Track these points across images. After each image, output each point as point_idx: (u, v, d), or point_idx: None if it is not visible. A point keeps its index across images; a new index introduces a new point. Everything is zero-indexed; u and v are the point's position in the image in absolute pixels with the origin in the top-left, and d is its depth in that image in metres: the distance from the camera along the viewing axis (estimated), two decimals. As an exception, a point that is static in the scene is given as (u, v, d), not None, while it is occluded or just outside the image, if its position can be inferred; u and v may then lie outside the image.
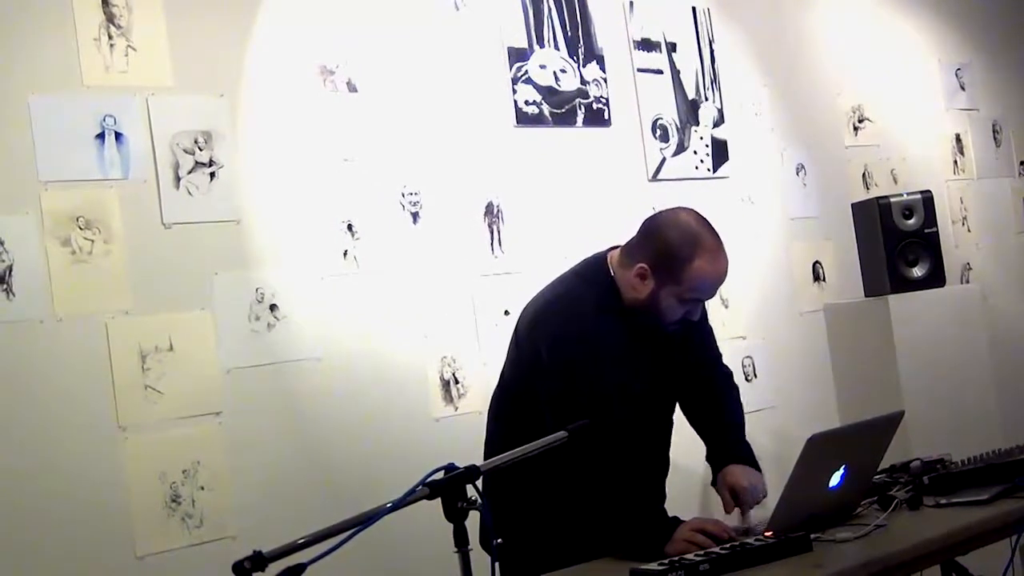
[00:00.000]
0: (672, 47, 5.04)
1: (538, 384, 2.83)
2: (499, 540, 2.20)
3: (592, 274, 2.94)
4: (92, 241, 3.43)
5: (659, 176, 4.89)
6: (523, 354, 2.94)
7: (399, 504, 2.12)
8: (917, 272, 4.69)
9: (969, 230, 6.28)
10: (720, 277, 2.83)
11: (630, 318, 2.86)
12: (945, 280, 4.74)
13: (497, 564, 2.21)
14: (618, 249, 2.95)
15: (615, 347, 2.81)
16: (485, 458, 2.99)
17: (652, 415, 2.95)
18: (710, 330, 3.19)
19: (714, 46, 5.19)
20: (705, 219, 2.86)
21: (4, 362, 3.26)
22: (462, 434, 4.06)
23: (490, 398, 3.14)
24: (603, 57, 4.77)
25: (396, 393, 3.99)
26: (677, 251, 2.78)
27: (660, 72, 4.98)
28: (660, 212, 2.94)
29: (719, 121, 5.16)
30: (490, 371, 4.18)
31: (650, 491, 2.78)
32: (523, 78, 4.49)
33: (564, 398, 2.74)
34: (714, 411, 3.11)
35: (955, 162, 6.32)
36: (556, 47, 4.61)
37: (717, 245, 2.81)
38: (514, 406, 2.96)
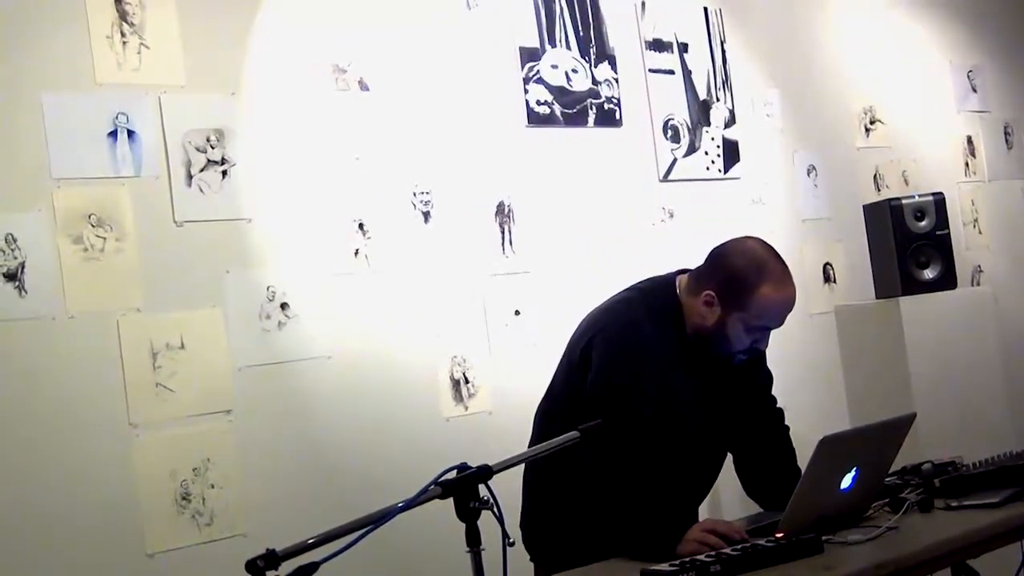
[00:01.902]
0: (684, 48, 5.03)
1: (583, 381, 2.83)
2: (511, 541, 2.20)
3: (657, 292, 2.93)
4: (104, 238, 3.44)
5: (670, 176, 4.89)
6: (574, 357, 2.93)
7: (411, 503, 2.12)
8: (928, 274, 4.67)
9: (980, 232, 6.26)
10: (788, 304, 2.83)
11: (687, 342, 2.86)
12: (957, 282, 4.73)
13: (508, 564, 2.20)
14: (686, 274, 2.94)
15: (664, 363, 2.81)
16: (527, 471, 3.02)
17: (695, 439, 2.92)
18: (771, 378, 3.15)
19: (726, 47, 5.18)
20: (771, 247, 2.87)
21: (16, 359, 3.27)
22: (472, 434, 4.07)
23: (535, 409, 3.11)
24: (615, 57, 4.76)
25: (406, 392, 3.99)
26: (744, 278, 2.78)
27: (671, 72, 4.98)
28: (727, 241, 2.93)
29: (730, 122, 5.15)
30: (501, 371, 4.19)
31: (664, 494, 2.77)
32: (535, 78, 4.48)
33: (601, 398, 2.75)
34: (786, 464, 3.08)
35: (967, 164, 6.30)
36: (568, 47, 4.61)
37: (784, 272, 2.82)
38: (559, 415, 2.93)
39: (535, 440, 3.00)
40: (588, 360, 2.84)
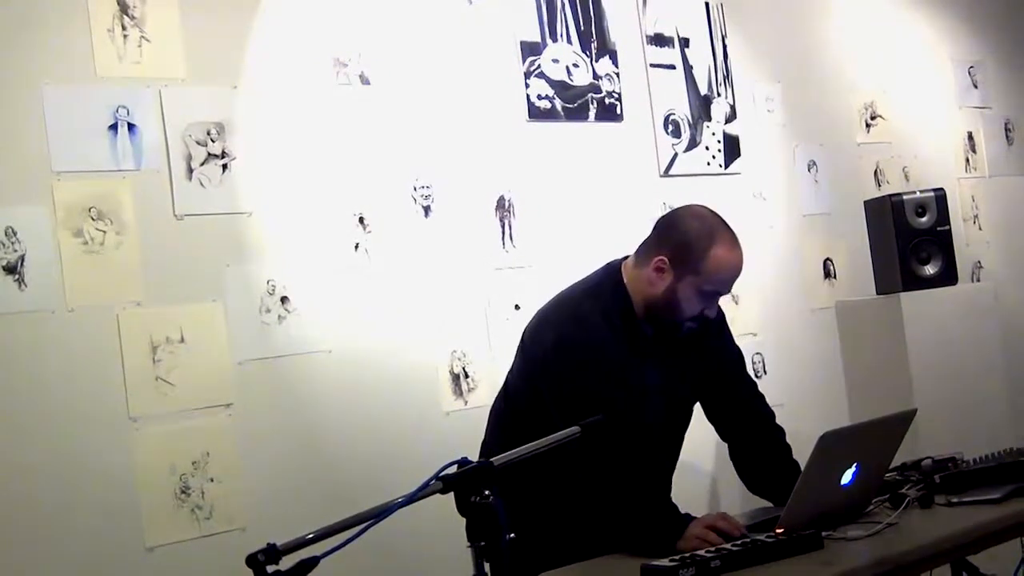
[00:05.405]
0: (685, 42, 5.03)
1: (543, 385, 2.85)
2: (512, 535, 2.19)
3: (602, 281, 2.96)
4: (104, 232, 3.43)
5: (671, 172, 4.88)
6: (527, 357, 2.96)
7: (412, 498, 2.11)
8: (929, 270, 4.68)
9: (981, 228, 6.26)
10: (737, 268, 2.87)
11: (639, 329, 2.88)
12: (957, 278, 4.73)
13: (508, 560, 2.19)
14: (629, 257, 2.97)
15: (619, 351, 2.82)
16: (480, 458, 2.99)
17: (662, 417, 2.93)
18: (740, 356, 3.17)
19: (727, 42, 5.17)
20: (718, 213, 2.92)
21: (16, 352, 3.26)
22: (471, 428, 4.03)
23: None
24: (616, 52, 4.76)
25: (406, 387, 3.98)
26: (696, 240, 2.82)
27: (673, 67, 4.97)
28: (674, 209, 3.01)
29: (731, 117, 5.15)
30: (500, 365, 4.18)
31: (661, 488, 2.77)
32: (535, 72, 4.48)
33: (571, 398, 2.74)
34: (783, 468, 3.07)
35: (967, 160, 6.30)
36: (569, 41, 4.60)
37: (733, 237, 2.88)
38: (514, 409, 2.99)
39: (491, 444, 2.98)
40: (543, 361, 2.85)
